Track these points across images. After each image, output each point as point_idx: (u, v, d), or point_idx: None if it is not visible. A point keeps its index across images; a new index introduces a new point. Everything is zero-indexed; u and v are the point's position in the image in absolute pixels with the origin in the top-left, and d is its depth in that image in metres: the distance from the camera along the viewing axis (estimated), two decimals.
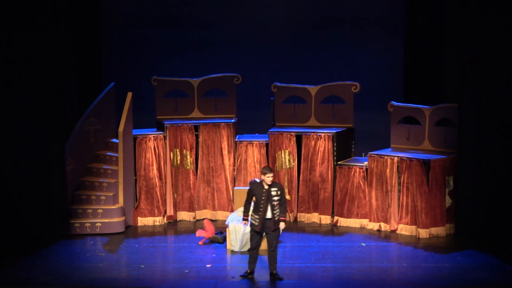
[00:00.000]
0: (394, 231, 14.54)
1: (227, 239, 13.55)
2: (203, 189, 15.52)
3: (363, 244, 13.91)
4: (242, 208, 13.64)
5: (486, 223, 14.10)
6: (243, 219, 12.15)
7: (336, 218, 15.12)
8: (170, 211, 15.39)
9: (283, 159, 15.33)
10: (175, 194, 15.41)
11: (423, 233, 14.16)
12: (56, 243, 13.78)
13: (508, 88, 13.76)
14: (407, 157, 14.30)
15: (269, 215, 11.82)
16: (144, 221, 15.19)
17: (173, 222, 15.38)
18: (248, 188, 12.16)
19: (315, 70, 17.86)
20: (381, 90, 17.32)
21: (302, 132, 15.30)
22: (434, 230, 14.24)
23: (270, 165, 15.07)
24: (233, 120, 15.68)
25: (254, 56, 18.13)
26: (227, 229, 13.55)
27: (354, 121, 15.62)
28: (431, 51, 15.94)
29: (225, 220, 14.05)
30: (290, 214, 15.24)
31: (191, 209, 15.53)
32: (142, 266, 12.69)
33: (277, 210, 11.85)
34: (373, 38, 17.99)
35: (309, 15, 18.14)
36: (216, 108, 15.99)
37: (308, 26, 18.17)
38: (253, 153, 15.45)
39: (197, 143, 15.45)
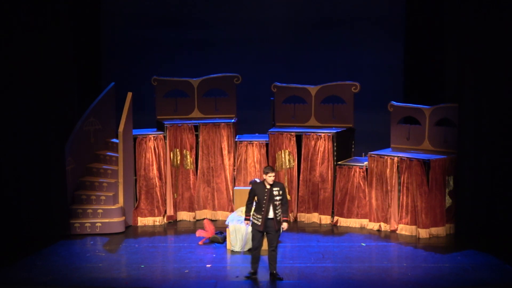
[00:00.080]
0: (394, 231, 14.54)
1: (227, 239, 13.55)
2: (203, 189, 15.52)
3: (363, 244, 13.91)
4: (242, 208, 13.68)
5: (486, 223, 14.10)
6: (245, 219, 12.14)
7: (336, 218, 15.12)
8: (170, 211, 15.39)
9: (283, 159, 15.33)
10: (175, 194, 15.42)
11: (423, 233, 14.16)
12: (56, 243, 13.78)
13: (508, 88, 13.76)
14: (407, 157, 14.30)
15: (271, 215, 11.82)
16: (144, 221, 15.19)
17: (173, 222, 15.38)
18: (248, 188, 12.15)
19: (315, 70, 17.86)
20: (381, 90, 17.32)
21: (302, 132, 15.30)
22: (434, 230, 14.24)
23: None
24: (233, 120, 15.68)
25: (254, 56, 18.13)
26: (227, 229, 13.55)
27: (354, 121, 15.62)
28: (431, 51, 15.93)
29: (225, 220, 14.05)
30: (290, 214, 15.23)
31: (191, 209, 15.53)
32: (142, 266, 12.69)
33: (279, 210, 11.86)
34: (373, 38, 17.99)
35: (309, 15, 18.14)
36: (216, 108, 15.99)
37: (308, 26, 18.17)
38: (253, 153, 15.45)
39: (197, 143, 15.46)
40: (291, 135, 15.30)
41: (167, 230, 14.99)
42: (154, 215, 15.23)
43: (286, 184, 15.23)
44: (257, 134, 16.02)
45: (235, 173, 15.52)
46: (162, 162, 15.27)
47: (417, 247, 13.69)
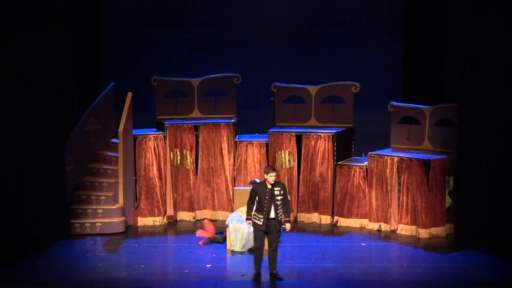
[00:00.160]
0: (394, 231, 14.54)
1: (227, 239, 13.55)
2: (203, 189, 15.52)
3: (363, 244, 13.91)
4: (242, 208, 13.69)
5: (486, 223, 14.10)
6: (247, 219, 12.10)
7: (336, 218, 15.12)
8: (170, 211, 15.39)
9: (283, 159, 15.33)
10: (175, 194, 15.41)
11: (423, 233, 14.16)
12: (56, 243, 13.78)
13: (508, 88, 13.76)
14: (407, 157, 14.30)
15: (272, 214, 11.81)
16: (144, 221, 15.19)
17: (173, 222, 15.38)
18: (248, 188, 12.14)
19: (315, 70, 17.86)
20: (381, 90, 17.33)
21: (302, 132, 15.30)
22: (434, 230, 14.24)
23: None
24: (233, 120, 15.68)
25: (254, 56, 18.13)
26: (227, 229, 13.55)
27: (354, 121, 15.62)
28: (431, 51, 15.93)
29: (225, 220, 14.05)
30: (290, 214, 15.23)
31: (191, 209, 15.53)
32: (142, 266, 12.69)
33: (280, 210, 11.85)
34: (373, 38, 18.00)
35: (309, 15, 18.14)
36: (216, 108, 15.99)
37: (308, 26, 18.17)
38: (253, 153, 15.46)
39: (197, 143, 15.46)
40: (291, 135, 15.30)
41: (167, 230, 14.99)
42: (154, 215, 15.23)
43: (286, 184, 15.22)
44: (257, 134, 16.02)
45: (235, 173, 15.52)
46: (162, 162, 15.27)
47: (417, 247, 13.69)
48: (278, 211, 11.82)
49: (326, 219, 15.21)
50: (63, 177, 14.23)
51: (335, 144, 15.08)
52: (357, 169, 14.88)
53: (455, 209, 14.36)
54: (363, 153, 15.31)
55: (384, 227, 14.67)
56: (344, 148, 15.39)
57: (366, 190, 14.82)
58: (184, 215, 15.52)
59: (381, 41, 17.94)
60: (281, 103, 15.86)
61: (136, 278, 12.09)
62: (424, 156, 14.31)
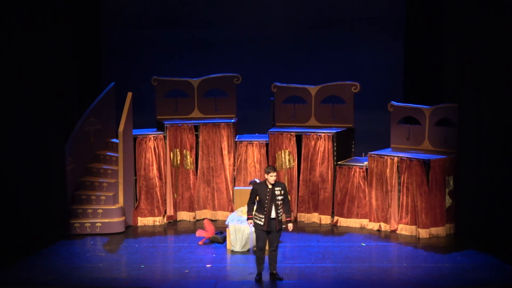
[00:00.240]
0: (394, 231, 14.54)
1: (227, 239, 13.55)
2: (203, 189, 15.52)
3: (363, 244, 13.91)
4: (242, 208, 13.69)
5: (486, 223, 14.10)
6: (248, 219, 12.04)
7: (336, 218, 15.11)
8: (170, 211, 15.39)
9: (283, 159, 15.33)
10: (175, 194, 15.41)
11: (423, 233, 14.16)
12: (56, 243, 13.78)
13: (508, 88, 13.77)
14: (407, 157, 14.29)
15: (273, 214, 11.80)
16: (144, 221, 15.19)
17: (173, 222, 15.38)
18: (248, 188, 12.13)
19: (315, 70, 17.86)
20: (381, 90, 17.33)
21: (302, 132, 15.30)
22: (434, 230, 14.24)
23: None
24: (233, 120, 15.67)
25: (254, 56, 18.13)
26: (227, 229, 13.55)
27: (354, 121, 15.62)
28: (431, 51, 15.92)
29: (225, 220, 14.05)
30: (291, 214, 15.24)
31: (191, 209, 15.53)
32: (142, 266, 12.69)
33: (281, 210, 11.84)
34: (373, 38, 18.00)
35: (309, 15, 18.15)
36: (216, 108, 15.98)
37: (308, 26, 18.17)
38: (253, 153, 15.45)
39: (197, 143, 15.45)
40: (291, 135, 15.30)
41: (167, 230, 14.98)
42: (154, 215, 15.23)
43: (286, 184, 15.21)
44: (257, 134, 16.02)
45: (235, 173, 15.52)
46: (162, 162, 15.27)
47: (417, 247, 13.69)
48: (278, 211, 11.82)
49: (326, 219, 15.21)
50: (63, 177, 14.23)
51: (335, 144, 15.07)
52: (357, 169, 14.88)
53: (455, 209, 14.36)
54: (363, 153, 15.31)
55: (384, 227, 14.67)
56: (344, 148, 15.39)
57: (366, 190, 14.82)
58: (184, 215, 15.52)
59: (381, 41, 17.94)
60: (281, 103, 15.86)
61: (136, 278, 12.09)
62: (424, 156, 14.31)
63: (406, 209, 14.34)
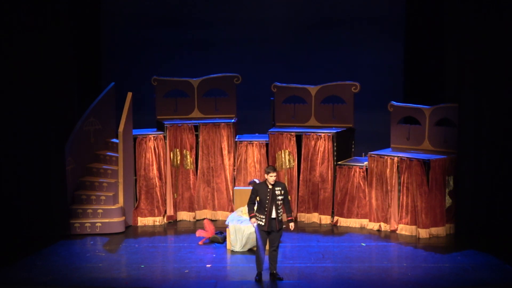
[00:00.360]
0: (394, 231, 14.54)
1: (227, 239, 13.55)
2: (203, 189, 15.52)
3: (363, 244, 13.91)
4: (242, 208, 13.69)
5: (486, 223, 14.10)
6: (251, 217, 11.93)
7: (336, 218, 15.11)
8: (170, 211, 15.39)
9: (283, 159, 15.33)
10: (175, 194, 15.41)
11: (423, 233, 14.16)
12: (56, 243, 13.78)
13: (508, 88, 13.77)
14: (407, 157, 14.29)
15: (274, 214, 11.80)
16: (144, 221, 15.19)
17: (173, 222, 15.38)
18: (248, 188, 12.11)
19: (315, 70, 17.86)
20: (381, 90, 17.33)
21: (302, 132, 15.30)
22: (434, 230, 14.24)
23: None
24: (233, 120, 15.67)
25: (254, 56, 18.13)
26: (227, 229, 13.55)
27: (354, 121, 15.62)
28: (431, 51, 15.93)
29: (225, 220, 14.05)
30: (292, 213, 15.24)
31: (191, 209, 15.53)
32: (142, 266, 12.69)
33: (281, 210, 11.85)
34: (373, 38, 18.00)
35: (309, 15, 18.15)
36: (216, 108, 15.98)
37: (308, 26, 18.17)
38: (253, 153, 15.45)
39: (197, 143, 15.45)
40: (291, 135, 15.30)
41: (167, 230, 14.98)
42: (154, 215, 15.23)
43: (286, 184, 15.21)
44: (257, 134, 16.02)
45: (235, 173, 15.52)
46: (162, 162, 15.27)
47: (417, 247, 13.69)
48: (279, 211, 11.82)
49: (326, 219, 15.21)
50: (63, 177, 14.23)
51: (335, 144, 15.07)
52: (357, 169, 14.88)
53: (455, 209, 14.36)
54: (363, 153, 15.31)
55: (384, 227, 14.67)
56: (344, 148, 15.39)
57: (366, 190, 14.82)
58: (184, 215, 15.52)
59: (381, 41, 17.94)
60: (281, 103, 15.86)
61: (136, 278, 12.09)
62: (424, 156, 14.31)
63: (406, 209, 14.34)
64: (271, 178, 11.77)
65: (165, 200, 15.37)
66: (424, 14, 16.10)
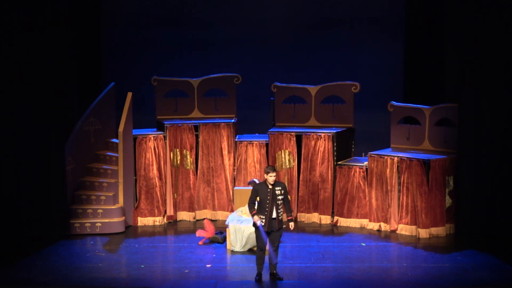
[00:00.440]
0: (394, 231, 14.54)
1: (227, 239, 13.55)
2: (203, 189, 15.52)
3: (363, 244, 13.91)
4: (242, 208, 13.69)
5: (486, 223, 14.10)
6: (253, 215, 11.82)
7: (336, 218, 15.11)
8: (170, 211, 15.39)
9: (283, 159, 15.33)
10: (175, 194, 15.41)
11: (423, 233, 14.16)
12: (56, 243, 13.78)
13: (508, 88, 13.77)
14: (407, 157, 14.29)
15: (274, 214, 11.80)
16: (144, 221, 15.19)
17: (173, 222, 15.38)
18: (248, 188, 12.10)
19: (315, 70, 17.86)
20: (381, 90, 17.33)
21: (302, 132, 15.30)
22: (434, 230, 14.24)
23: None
24: (233, 120, 15.67)
25: (254, 56, 18.13)
26: (227, 229, 13.55)
27: (354, 121, 15.62)
28: (431, 51, 15.93)
29: (225, 220, 14.04)
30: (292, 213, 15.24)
31: (191, 209, 15.53)
32: (142, 266, 12.69)
33: (281, 210, 11.85)
34: (373, 38, 18.00)
35: (309, 15, 18.15)
36: (216, 108, 15.98)
37: (308, 26, 18.17)
38: (253, 153, 15.45)
39: (197, 143, 15.45)
40: (291, 135, 15.30)
41: (167, 230, 14.98)
42: (154, 215, 15.23)
43: (286, 184, 15.21)
44: (257, 134, 16.02)
45: (235, 173, 15.52)
46: (162, 162, 15.27)
47: (417, 247, 13.69)
48: (279, 211, 11.82)
49: (326, 219, 15.21)
50: (63, 177, 14.23)
51: (335, 144, 15.07)
52: (357, 169, 14.88)
53: (455, 209, 14.36)
54: (363, 153, 15.31)
55: (384, 227, 14.67)
56: (344, 148, 15.39)
57: (366, 190, 14.82)
58: (184, 215, 15.52)
59: (381, 41, 17.94)
60: (281, 103, 15.86)
61: (136, 278, 12.09)
62: (424, 156, 14.31)
63: (406, 209, 14.34)
64: (270, 178, 11.77)
65: (165, 200, 15.37)
66: (424, 14, 16.10)
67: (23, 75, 13.71)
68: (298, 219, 15.39)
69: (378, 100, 16.45)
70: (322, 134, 15.13)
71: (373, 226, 14.77)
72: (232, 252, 13.38)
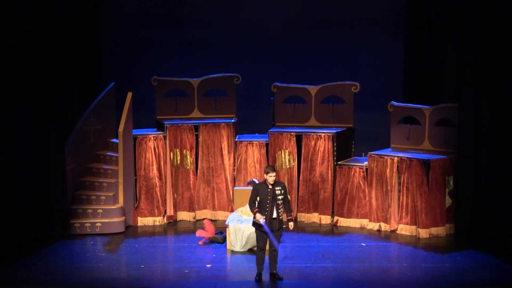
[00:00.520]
0: (394, 231, 14.54)
1: (227, 239, 13.55)
2: (203, 189, 15.52)
3: (363, 244, 13.91)
4: (242, 208, 13.69)
5: (486, 223, 14.10)
6: (255, 214, 11.82)
7: (336, 218, 15.11)
8: (170, 211, 15.39)
9: (283, 159, 15.33)
10: (175, 194, 15.41)
11: (423, 233, 14.16)
12: (56, 243, 13.78)
13: (508, 88, 13.77)
14: (407, 157, 14.29)
15: (274, 214, 11.80)
16: (144, 221, 15.19)
17: (173, 222, 15.38)
18: (248, 188, 12.10)
19: (315, 70, 17.86)
20: (381, 90, 17.33)
21: (302, 132, 15.30)
22: (434, 230, 14.24)
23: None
24: (233, 120, 15.67)
25: (254, 56, 18.13)
26: (227, 229, 13.55)
27: (354, 121, 15.62)
28: (431, 51, 15.93)
29: (225, 220, 14.05)
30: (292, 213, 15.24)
31: (191, 209, 15.53)
32: (142, 266, 12.69)
33: (281, 209, 11.85)
34: (373, 38, 18.00)
35: (309, 15, 18.15)
36: (216, 108, 15.98)
37: (308, 26, 18.17)
38: (253, 153, 15.45)
39: (197, 143, 15.45)
40: (291, 135, 15.30)
41: (167, 230, 14.98)
42: (154, 215, 15.23)
43: (286, 184, 15.21)
44: (257, 134, 16.02)
45: (235, 173, 15.52)
46: (162, 162, 15.27)
47: (417, 247, 13.69)
48: (279, 211, 11.82)
49: (326, 219, 15.21)
50: (63, 177, 14.23)
51: (335, 144, 15.07)
52: (357, 169, 14.88)
53: (455, 209, 14.36)
54: (363, 153, 15.31)
55: (384, 227, 14.67)
56: (344, 148, 15.39)
57: (366, 190, 14.82)
58: (184, 215, 15.52)
59: (381, 41, 17.94)
60: (281, 103, 15.86)
61: (136, 278, 12.09)
62: (424, 156, 14.31)
63: (406, 209, 14.34)
64: (270, 178, 11.77)
65: (165, 200, 15.37)
66: (424, 14, 16.10)
67: (23, 75, 13.72)
68: (298, 219, 15.39)
69: (378, 100, 16.45)
70: (322, 134, 15.13)
71: (373, 226, 14.77)
72: (232, 252, 13.38)
